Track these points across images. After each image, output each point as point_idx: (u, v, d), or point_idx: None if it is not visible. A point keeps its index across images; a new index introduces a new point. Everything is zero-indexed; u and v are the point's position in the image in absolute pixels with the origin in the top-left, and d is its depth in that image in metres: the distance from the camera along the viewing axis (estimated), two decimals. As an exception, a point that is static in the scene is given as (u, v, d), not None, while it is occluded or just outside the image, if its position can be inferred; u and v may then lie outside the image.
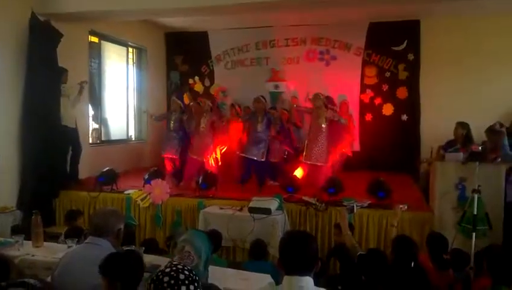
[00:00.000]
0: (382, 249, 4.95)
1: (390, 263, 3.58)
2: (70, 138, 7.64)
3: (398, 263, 3.44)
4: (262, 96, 7.93)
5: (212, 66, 11.21)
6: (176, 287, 1.73)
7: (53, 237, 4.92)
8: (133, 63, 10.69)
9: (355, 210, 4.81)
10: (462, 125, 6.72)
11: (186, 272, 1.79)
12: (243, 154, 7.71)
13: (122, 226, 3.08)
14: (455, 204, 5.58)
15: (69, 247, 3.79)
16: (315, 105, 7.41)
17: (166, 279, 1.76)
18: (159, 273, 1.80)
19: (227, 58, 11.09)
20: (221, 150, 8.20)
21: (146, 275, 2.32)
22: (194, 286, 1.76)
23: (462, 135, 6.64)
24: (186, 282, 1.75)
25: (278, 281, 2.58)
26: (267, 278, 3.38)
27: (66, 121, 7.49)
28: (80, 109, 7.99)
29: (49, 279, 3.02)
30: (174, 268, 1.81)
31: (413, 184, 8.14)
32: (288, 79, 10.58)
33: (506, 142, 5.33)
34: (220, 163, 8.07)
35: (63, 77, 7.45)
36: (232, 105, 9.43)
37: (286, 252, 2.42)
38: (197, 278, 1.81)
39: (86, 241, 3.03)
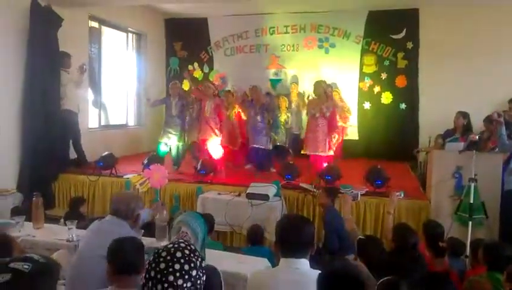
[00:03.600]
0: (379, 237, 5.00)
1: (390, 251, 3.61)
2: (72, 122, 7.67)
3: (399, 251, 3.47)
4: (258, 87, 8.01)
5: (211, 52, 11.19)
6: (170, 263, 1.75)
7: (53, 220, 4.94)
8: (133, 48, 10.65)
9: (358, 198, 4.85)
10: (464, 115, 6.72)
11: (186, 251, 1.80)
12: (252, 145, 7.77)
13: (141, 212, 3.16)
14: (452, 193, 5.59)
15: (69, 229, 3.82)
16: (316, 93, 7.36)
17: (163, 254, 1.78)
18: (161, 248, 1.82)
19: (226, 45, 11.06)
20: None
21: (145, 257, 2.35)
22: (189, 266, 1.77)
23: (463, 125, 6.65)
24: (182, 261, 1.76)
25: (273, 265, 2.61)
26: (264, 262, 3.41)
27: (69, 105, 7.54)
28: (81, 93, 7.97)
29: (55, 256, 3.08)
30: (175, 245, 1.83)
31: (411, 173, 8.18)
32: (288, 66, 10.57)
33: (503, 131, 5.32)
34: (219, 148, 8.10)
35: (67, 61, 7.50)
36: (228, 91, 9.39)
37: (283, 235, 2.46)
38: (195, 260, 1.82)
39: (107, 219, 3.09)
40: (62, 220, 4.49)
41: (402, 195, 4.84)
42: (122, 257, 2.39)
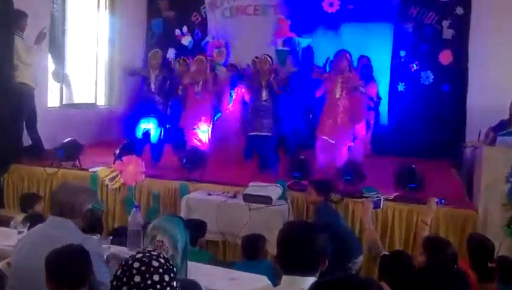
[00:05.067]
0: (410, 253, 5.04)
1: (420, 267, 3.65)
2: (27, 99, 7.68)
3: (432, 266, 3.51)
4: (268, 56, 7.91)
5: (205, 13, 11.16)
6: (147, 275, 1.80)
7: (3, 222, 4.99)
8: (105, 7, 10.65)
9: (381, 205, 4.91)
10: (523, 102, 6.74)
11: (162, 260, 1.87)
12: (249, 133, 7.77)
13: (90, 206, 3.17)
14: (505, 200, 5.58)
15: (19, 233, 3.86)
16: (338, 67, 7.31)
17: (136, 265, 1.83)
18: (129, 259, 1.87)
19: (224, 5, 10.98)
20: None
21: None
22: (170, 277, 1.83)
23: (522, 114, 6.67)
24: (160, 270, 1.82)
25: (275, 284, 2.65)
26: (261, 280, 3.46)
27: (22, 78, 7.54)
28: (37, 62, 7.98)
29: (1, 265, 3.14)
30: (147, 254, 1.88)
31: (454, 174, 8.19)
32: (301, 34, 10.47)
33: None
34: (209, 137, 8.13)
35: (21, 22, 7.47)
36: (232, 65, 9.39)
37: (285, 247, 2.48)
38: (174, 268, 1.88)
39: (46, 222, 3.11)
40: (12, 222, 4.53)
41: (442, 202, 4.89)
42: (61, 271, 2.47)
